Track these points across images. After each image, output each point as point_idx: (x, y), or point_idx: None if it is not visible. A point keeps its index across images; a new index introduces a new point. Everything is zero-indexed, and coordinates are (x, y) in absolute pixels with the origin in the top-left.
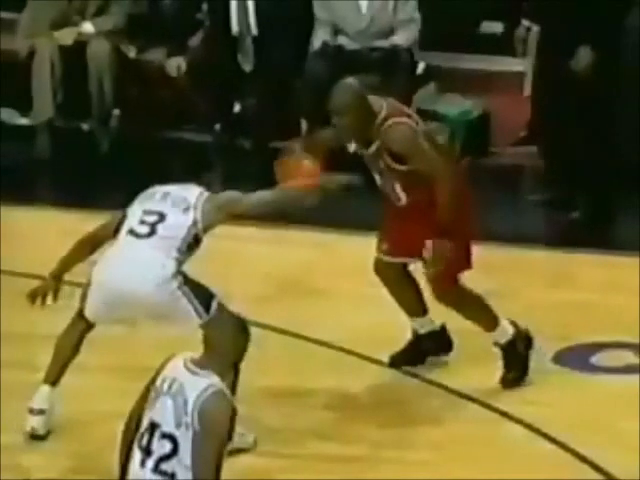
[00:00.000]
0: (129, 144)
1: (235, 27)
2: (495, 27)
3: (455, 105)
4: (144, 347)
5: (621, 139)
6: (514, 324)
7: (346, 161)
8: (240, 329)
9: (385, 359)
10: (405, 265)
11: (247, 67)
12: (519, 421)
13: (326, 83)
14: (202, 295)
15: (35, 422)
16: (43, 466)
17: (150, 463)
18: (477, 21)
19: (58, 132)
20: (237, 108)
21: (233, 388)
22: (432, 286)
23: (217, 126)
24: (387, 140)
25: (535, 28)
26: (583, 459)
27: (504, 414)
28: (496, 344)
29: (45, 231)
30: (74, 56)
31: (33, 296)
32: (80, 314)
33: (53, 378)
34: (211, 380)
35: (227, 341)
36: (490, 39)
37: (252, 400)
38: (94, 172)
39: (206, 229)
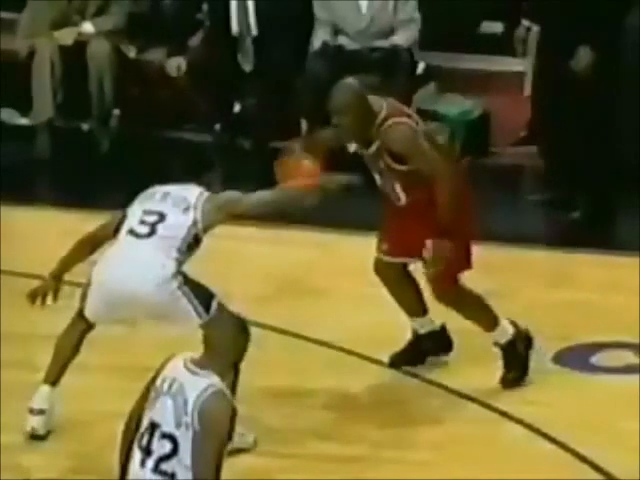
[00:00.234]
0: (129, 144)
1: (235, 27)
2: (495, 27)
3: (455, 105)
4: (144, 347)
5: (621, 139)
6: (514, 324)
7: (346, 161)
8: (240, 329)
9: (385, 359)
10: (405, 265)
11: (247, 67)
12: (519, 421)
13: (326, 83)
14: (202, 295)
15: (35, 422)
16: (43, 466)
17: (150, 463)
18: (477, 21)
19: (58, 132)
20: (237, 108)
21: (233, 388)
22: (432, 286)
23: (217, 126)
24: (387, 140)
25: (535, 28)
26: (583, 459)
27: (504, 414)
28: (496, 344)
29: (45, 231)
30: (74, 56)
31: (33, 296)
32: (80, 314)
33: (53, 378)
34: (211, 380)
35: (227, 341)
36: (490, 39)
37: (252, 400)
38: (94, 172)
39: (206, 229)
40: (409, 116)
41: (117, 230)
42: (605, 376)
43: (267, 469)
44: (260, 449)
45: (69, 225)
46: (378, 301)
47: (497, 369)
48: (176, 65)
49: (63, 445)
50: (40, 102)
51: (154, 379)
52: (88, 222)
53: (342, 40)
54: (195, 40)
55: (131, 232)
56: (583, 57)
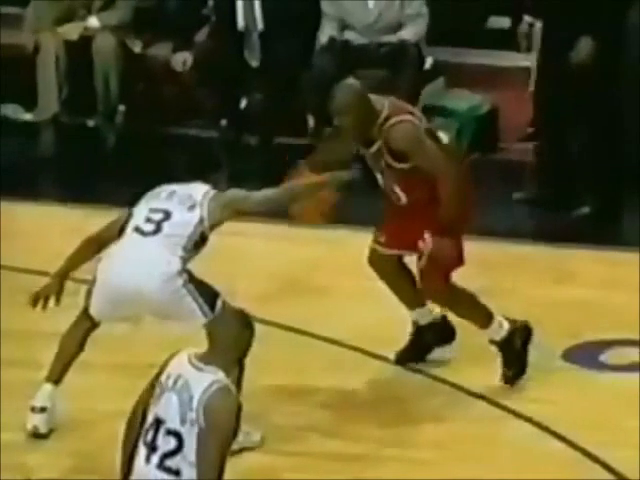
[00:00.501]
0: (135, 140)
1: (241, 22)
2: (502, 22)
3: (464, 100)
4: (147, 345)
5: (624, 136)
6: (510, 319)
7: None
8: (244, 325)
9: (390, 356)
10: (400, 257)
11: (253, 62)
12: (527, 419)
13: (333, 79)
14: (207, 293)
15: (37, 420)
16: (45, 465)
17: (155, 459)
18: (485, 16)
19: (63, 128)
20: (243, 104)
21: (238, 384)
22: (424, 285)
23: (223, 122)
24: (390, 139)
25: (539, 24)
26: (591, 457)
27: (511, 412)
28: (492, 341)
29: (50, 227)
30: (79, 51)
31: (35, 299)
32: (85, 312)
33: (56, 376)
34: (216, 376)
35: (231, 337)
36: (498, 34)
37: (257, 398)
38: (99, 168)
39: (212, 227)
40: (412, 114)
41: (122, 229)
42: (613, 374)
43: (272, 467)
44: (265, 447)
45: (74, 221)
46: (383, 298)
47: (500, 366)
48: (182, 60)
49: (65, 444)
50: (45, 98)
51: (158, 375)
52: (93, 218)
53: (349, 35)
54: (201, 35)
55: (137, 230)
56: (583, 48)
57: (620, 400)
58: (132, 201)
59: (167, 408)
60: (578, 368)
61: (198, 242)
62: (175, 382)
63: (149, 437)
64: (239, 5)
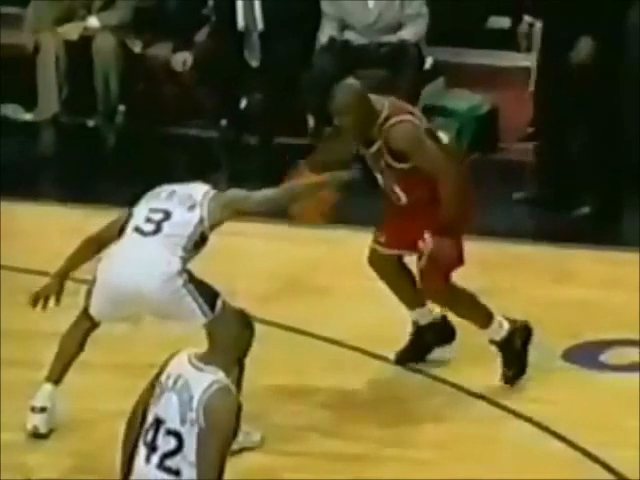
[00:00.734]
0: (135, 140)
1: (241, 22)
2: (503, 22)
3: (464, 100)
4: (147, 345)
5: (624, 136)
6: (510, 319)
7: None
8: (244, 325)
9: (390, 356)
10: (400, 257)
11: (253, 62)
12: (527, 419)
13: (333, 78)
14: (207, 293)
15: (37, 420)
16: (45, 465)
17: (155, 459)
18: (485, 16)
19: (63, 128)
20: (243, 104)
21: (238, 384)
22: (423, 285)
23: (223, 122)
24: (390, 139)
25: (539, 24)
26: (592, 457)
27: (511, 412)
28: (492, 341)
29: (50, 228)
30: (79, 51)
31: (35, 299)
32: (85, 312)
33: (56, 376)
34: (217, 376)
35: (231, 337)
36: (498, 34)
37: (257, 398)
38: (99, 168)
39: (212, 227)
40: (412, 114)
41: (122, 229)
42: (613, 374)
43: (272, 467)
44: (265, 447)
45: (74, 221)
46: (383, 298)
47: (500, 366)
48: (182, 60)
49: (65, 444)
50: (45, 98)
51: (159, 375)
52: (93, 218)
53: (349, 35)
54: (201, 35)
55: (137, 230)
56: (584, 48)
57: (620, 400)
58: (132, 201)
59: (167, 408)
60: (578, 368)
61: (198, 242)
62: (175, 382)
63: (149, 437)
64: (239, 5)
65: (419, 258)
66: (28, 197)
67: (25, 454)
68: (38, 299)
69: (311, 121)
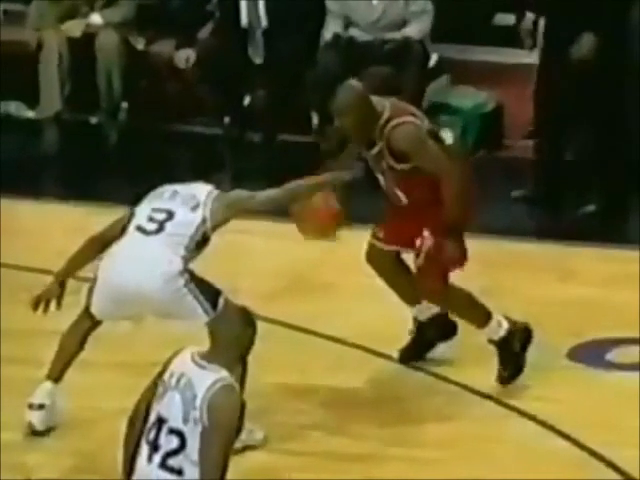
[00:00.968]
0: (138, 137)
1: (245, 19)
2: (508, 19)
3: (469, 98)
4: (149, 343)
5: (628, 134)
6: (510, 320)
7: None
8: (246, 323)
9: (394, 354)
10: (398, 254)
11: (257, 59)
12: (532, 418)
13: (337, 76)
14: (208, 292)
15: (34, 417)
16: (45, 465)
17: (157, 458)
18: (490, 13)
19: (66, 125)
20: (247, 101)
21: (242, 382)
22: (420, 284)
23: (226, 119)
24: (392, 140)
25: (543, 21)
26: (597, 456)
27: (516, 411)
28: (490, 341)
29: (52, 225)
30: (82, 48)
31: (36, 303)
32: (86, 311)
33: (56, 374)
34: (220, 374)
35: (233, 335)
36: (503, 31)
37: (260, 396)
38: (102, 166)
39: (215, 228)
40: (414, 115)
41: (124, 229)
42: (619, 373)
43: (275, 466)
44: (268, 446)
45: (76, 219)
46: (387, 296)
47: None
48: (185, 57)
49: (65, 443)
50: (48, 95)
51: (161, 373)
52: (95, 216)
53: (353, 32)
54: (204, 32)
55: (139, 229)
56: (586, 43)
57: (625, 399)
58: (135, 199)
59: (170, 407)
60: (583, 367)
61: (200, 242)
62: (178, 380)
63: (151, 436)
64: (243, 2)
65: (417, 255)
66: (30, 195)
67: (25, 453)
68: (39, 302)
69: (315, 118)
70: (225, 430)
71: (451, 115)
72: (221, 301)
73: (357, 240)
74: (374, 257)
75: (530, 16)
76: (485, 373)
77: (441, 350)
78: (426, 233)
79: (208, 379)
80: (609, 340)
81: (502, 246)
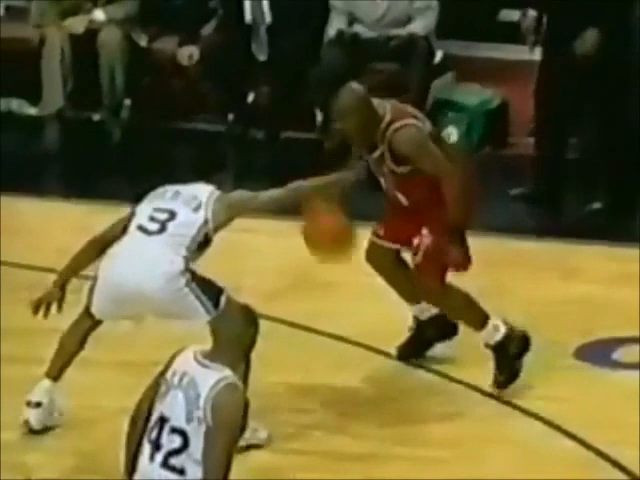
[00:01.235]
0: (140, 134)
1: (249, 15)
2: (513, 15)
3: (474, 95)
4: (151, 342)
5: (632, 131)
6: (508, 325)
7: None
8: (249, 321)
9: (393, 352)
10: (398, 252)
11: (261, 56)
12: (537, 417)
13: (341, 73)
14: (210, 291)
15: (30, 415)
16: (45, 464)
17: (159, 457)
18: (495, 9)
19: (68, 122)
20: (250, 98)
21: (245, 380)
22: (418, 283)
23: (230, 116)
24: (394, 143)
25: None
26: (603, 456)
27: (521, 410)
28: (486, 345)
29: (54, 224)
30: (85, 45)
31: (37, 306)
32: (87, 310)
33: (55, 373)
34: (223, 373)
35: (236, 334)
36: (508, 27)
37: (263, 395)
38: (104, 163)
39: (216, 229)
40: (415, 117)
41: (125, 229)
42: (625, 372)
43: (279, 466)
44: (271, 445)
45: (78, 218)
46: (390, 295)
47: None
48: (188, 54)
49: (66, 443)
50: (50, 92)
51: (163, 372)
52: (97, 215)
53: (358, 28)
54: (208, 29)
55: (140, 228)
56: (589, 38)
57: (632, 398)
58: (137, 197)
59: (173, 406)
60: (590, 366)
61: (202, 243)
62: (181, 379)
63: (153, 435)
64: None
65: (415, 254)
66: (32, 192)
67: (25, 453)
68: (40, 305)
69: (319, 116)
70: (229, 429)
71: (456, 112)
72: (223, 299)
73: (361, 238)
74: (374, 255)
75: (533, 13)
76: (488, 372)
77: (443, 349)
78: (425, 231)
79: (211, 378)
80: (615, 339)
81: (503, 245)
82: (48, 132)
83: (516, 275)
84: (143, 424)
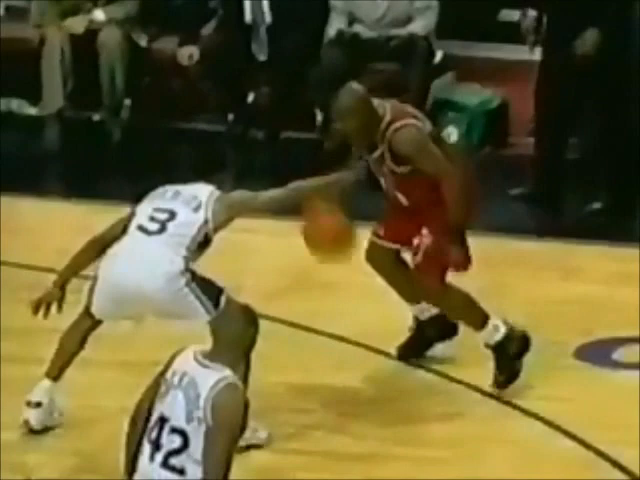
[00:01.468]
0: (140, 134)
1: (249, 15)
2: (513, 15)
3: (474, 95)
4: (151, 342)
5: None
6: (509, 325)
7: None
8: (249, 321)
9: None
10: (398, 253)
11: (261, 56)
12: (537, 417)
13: (341, 73)
14: (210, 291)
15: (30, 415)
16: (45, 464)
17: (159, 457)
18: (496, 9)
19: (68, 122)
20: (250, 98)
21: (245, 380)
22: (418, 282)
23: (230, 116)
24: (394, 144)
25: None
26: (604, 456)
27: (522, 410)
28: (486, 345)
29: (54, 223)
30: (85, 45)
31: (37, 306)
32: (86, 311)
33: (55, 373)
34: (223, 373)
35: (236, 334)
36: (508, 27)
37: (263, 395)
38: (105, 163)
39: (216, 229)
40: (415, 117)
41: (125, 229)
42: (626, 372)
43: (279, 466)
44: (271, 445)
45: (78, 218)
46: (391, 294)
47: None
48: (188, 54)
49: (66, 443)
50: (50, 92)
51: (163, 372)
52: (98, 215)
53: (358, 28)
54: (208, 29)
55: (140, 228)
56: (589, 38)
57: (632, 398)
58: (137, 197)
59: (173, 406)
60: (590, 366)
61: (202, 243)
62: (181, 380)
63: (153, 435)
64: None
65: (415, 254)
66: (31, 192)
67: (25, 453)
68: (40, 306)
69: (319, 116)
70: (229, 429)
71: (456, 112)
72: (223, 299)
73: (362, 237)
74: (374, 255)
75: (532, 13)
76: (488, 372)
77: (443, 349)
78: (425, 231)
79: (211, 378)
80: (615, 339)
81: (503, 244)
82: (48, 132)
83: (516, 275)
84: (143, 424)
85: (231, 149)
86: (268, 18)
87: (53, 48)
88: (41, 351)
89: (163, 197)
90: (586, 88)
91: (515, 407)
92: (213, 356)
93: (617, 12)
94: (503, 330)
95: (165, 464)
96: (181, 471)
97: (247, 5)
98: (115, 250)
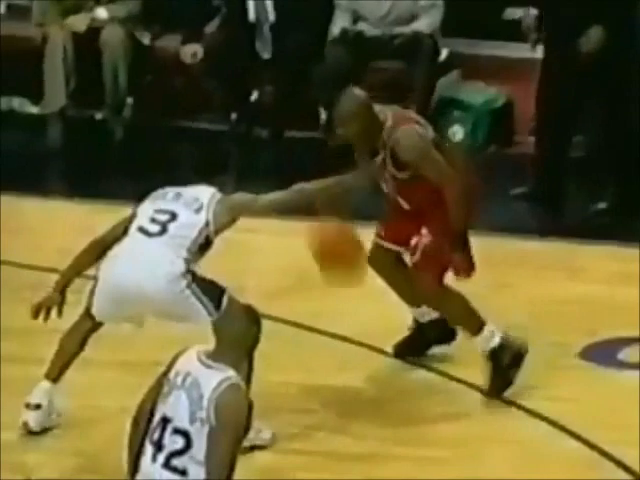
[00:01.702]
0: (143, 133)
1: (252, 14)
2: (519, 13)
3: (480, 93)
4: (152, 343)
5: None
6: (507, 335)
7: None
8: (251, 321)
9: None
10: (399, 255)
11: (265, 54)
12: (542, 418)
13: (345, 71)
14: (212, 292)
15: (30, 417)
16: (45, 465)
17: (161, 458)
18: (501, 7)
19: (70, 121)
20: (254, 96)
21: (248, 380)
22: (416, 284)
23: (233, 115)
24: (397, 150)
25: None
26: (608, 456)
27: (526, 410)
28: (481, 352)
29: (56, 223)
30: (87, 43)
31: (37, 310)
32: (87, 312)
33: (54, 374)
34: (227, 374)
35: (238, 334)
36: (513, 25)
37: (265, 395)
38: (107, 162)
39: (217, 231)
40: (417, 122)
41: (126, 230)
42: (631, 372)
43: (282, 466)
44: (274, 445)
45: (80, 217)
46: (393, 295)
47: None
48: (191, 52)
49: (66, 443)
50: (52, 91)
51: (166, 373)
52: (100, 214)
53: (362, 26)
54: (211, 27)
55: (141, 230)
56: (594, 35)
57: (637, 399)
58: (140, 196)
59: (176, 406)
60: (595, 366)
61: (203, 245)
62: (184, 380)
63: (155, 436)
64: None
65: (413, 253)
66: (34, 192)
67: (25, 453)
68: (40, 310)
69: (323, 114)
70: (233, 429)
71: (462, 111)
72: (225, 300)
73: (364, 237)
74: (376, 258)
75: (534, 11)
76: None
77: (443, 348)
78: (424, 231)
79: (214, 378)
80: (620, 339)
81: (506, 244)
82: (50, 131)
83: (519, 275)
84: (145, 425)
85: (234, 148)
86: (272, 16)
87: (55, 46)
88: (41, 351)
89: (164, 198)
90: (588, 86)
91: (519, 407)
92: (216, 356)
93: (619, 10)
94: (498, 338)
95: (167, 465)
96: (183, 472)
97: (251, 3)
98: (116, 251)
